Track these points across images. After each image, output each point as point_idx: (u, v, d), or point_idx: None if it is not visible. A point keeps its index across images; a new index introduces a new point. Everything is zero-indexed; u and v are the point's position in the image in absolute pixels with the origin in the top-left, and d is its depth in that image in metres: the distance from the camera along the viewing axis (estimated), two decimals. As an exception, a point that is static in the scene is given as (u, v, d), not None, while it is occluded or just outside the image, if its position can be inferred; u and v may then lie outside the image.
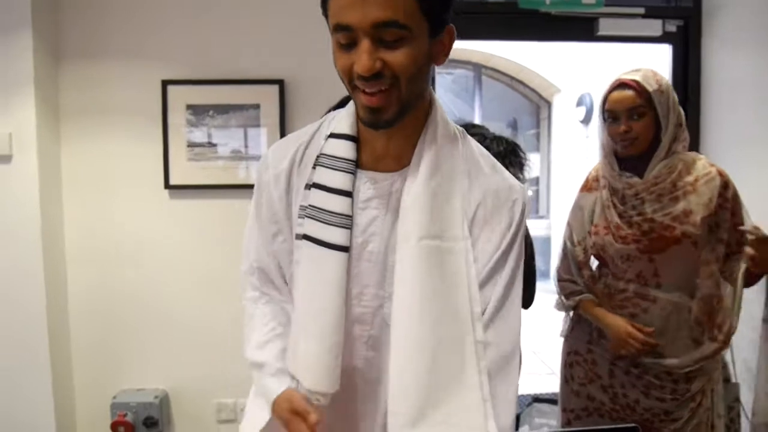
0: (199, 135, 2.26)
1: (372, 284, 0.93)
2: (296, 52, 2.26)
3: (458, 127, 0.97)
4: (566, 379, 1.74)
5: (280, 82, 2.24)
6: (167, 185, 2.27)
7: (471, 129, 1.38)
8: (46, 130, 2.21)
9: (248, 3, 2.27)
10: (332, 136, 0.95)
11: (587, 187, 1.69)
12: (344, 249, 0.90)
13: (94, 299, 2.34)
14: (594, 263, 1.66)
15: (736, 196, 1.54)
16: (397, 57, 0.81)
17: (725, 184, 1.53)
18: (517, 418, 2.39)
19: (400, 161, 0.92)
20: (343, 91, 0.94)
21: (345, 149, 0.93)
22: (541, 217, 7.75)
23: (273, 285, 1.04)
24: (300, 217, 0.95)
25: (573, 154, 7.00)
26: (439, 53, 0.88)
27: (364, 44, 0.79)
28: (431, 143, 0.90)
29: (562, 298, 1.74)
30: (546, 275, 7.29)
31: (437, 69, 2.46)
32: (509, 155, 1.60)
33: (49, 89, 2.24)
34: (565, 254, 1.71)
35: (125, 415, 2.18)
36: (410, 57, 0.81)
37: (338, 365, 0.92)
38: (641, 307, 1.56)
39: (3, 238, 2.18)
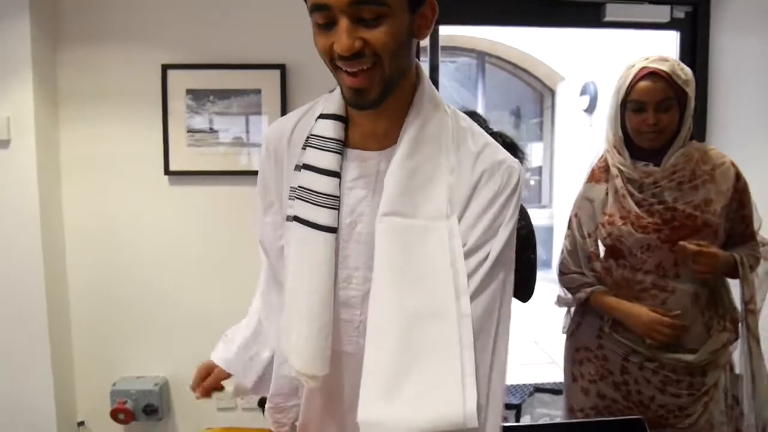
0: (199, 120, 2.23)
1: (362, 266, 0.91)
2: (298, 37, 2.20)
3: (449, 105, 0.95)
4: (574, 377, 1.68)
5: (282, 67, 2.21)
6: (167, 171, 2.24)
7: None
8: (45, 114, 2.19)
9: (249, -14, 2.23)
10: (322, 116, 0.94)
11: (595, 178, 1.64)
12: (332, 230, 0.89)
13: (94, 286, 2.32)
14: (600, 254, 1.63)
15: (746, 187, 1.54)
16: (376, 35, 0.79)
17: (737, 175, 1.53)
18: (519, 407, 2.39)
19: (387, 140, 0.90)
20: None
21: (333, 129, 0.92)
22: (544, 207, 7.73)
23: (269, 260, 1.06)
24: (290, 198, 0.94)
25: (576, 143, 6.97)
26: (422, 27, 0.86)
27: (343, 23, 0.78)
28: (417, 120, 0.88)
29: (565, 291, 1.70)
30: (547, 264, 7.31)
31: (440, 57, 2.43)
32: (507, 150, 1.57)
33: (48, 73, 2.21)
34: (573, 247, 1.65)
35: (125, 403, 2.17)
36: (390, 34, 0.79)
37: (328, 347, 0.90)
38: (659, 298, 1.52)
39: (1, 223, 2.16)
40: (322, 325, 0.89)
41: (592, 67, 6.57)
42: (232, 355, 1.20)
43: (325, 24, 0.80)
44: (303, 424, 1.08)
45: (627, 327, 1.55)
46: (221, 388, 1.24)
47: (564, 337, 1.77)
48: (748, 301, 1.54)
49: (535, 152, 8.06)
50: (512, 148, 1.58)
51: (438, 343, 0.77)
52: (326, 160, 0.90)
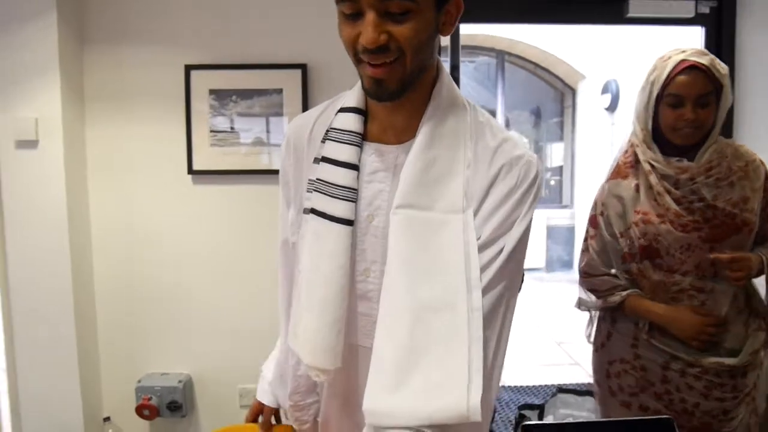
0: (221, 120, 2.25)
1: (379, 260, 0.90)
2: (319, 36, 2.23)
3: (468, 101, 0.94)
4: (612, 391, 1.59)
5: (303, 66, 2.22)
6: (190, 170, 2.27)
7: None
8: (71, 115, 2.23)
9: (271, -14, 2.25)
10: (342, 110, 0.95)
11: (621, 174, 1.56)
12: (348, 222, 0.89)
13: (119, 285, 2.35)
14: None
15: None
16: (403, 30, 0.79)
17: (766, 174, 1.49)
18: (542, 408, 2.37)
19: (405, 133, 0.90)
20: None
21: (352, 122, 0.92)
22: (565, 207, 7.67)
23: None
24: (308, 191, 0.95)
25: (597, 143, 6.89)
26: (446, 24, 0.86)
27: (370, 16, 0.78)
28: (435, 114, 0.88)
29: (589, 294, 1.63)
30: (569, 265, 7.27)
31: (459, 57, 2.42)
32: None
33: (74, 74, 2.25)
34: (602, 248, 1.57)
35: (150, 399, 2.20)
36: (416, 29, 0.79)
37: (340, 342, 0.90)
38: (698, 300, 1.47)
39: (30, 223, 2.20)
40: (334, 319, 0.89)
41: (613, 65, 6.50)
42: (270, 391, 1.20)
43: (352, 14, 0.80)
44: (323, 421, 1.08)
45: (665, 332, 1.48)
46: (279, 419, 1.24)
47: (584, 338, 1.73)
48: None
49: (555, 152, 8.01)
50: None
51: (447, 335, 0.77)
52: (345, 152, 0.91)
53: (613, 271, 1.58)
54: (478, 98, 7.31)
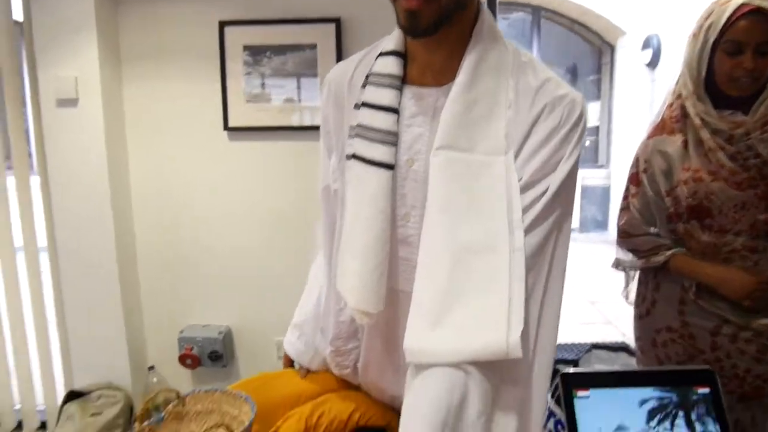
0: (256, 76, 2.25)
1: (419, 205, 0.90)
2: (352, -11, 2.20)
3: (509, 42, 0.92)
4: (659, 360, 1.54)
5: (337, 21, 2.19)
6: (226, 127, 2.28)
7: None
8: (109, 73, 2.25)
9: (304, -62, 2.21)
10: (381, 54, 0.94)
11: (667, 130, 1.47)
12: (388, 167, 0.89)
13: (160, 241, 2.41)
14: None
15: None
16: None
17: None
18: (576, 363, 2.37)
19: (445, 75, 0.89)
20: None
21: (392, 65, 0.91)
22: (600, 167, 7.51)
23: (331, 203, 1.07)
24: (350, 137, 0.94)
25: (636, 100, 6.69)
26: None
27: None
28: (476, 54, 0.86)
29: (627, 253, 1.58)
30: (603, 226, 7.17)
31: (496, 13, 2.35)
32: None
33: (110, 33, 2.27)
34: (645, 206, 1.50)
35: (192, 349, 2.28)
36: None
37: (382, 286, 0.91)
38: (750, 260, 1.40)
39: (73, 182, 2.26)
40: (377, 264, 0.90)
41: (655, 19, 6.25)
42: (301, 348, 1.24)
43: None
44: (364, 365, 1.10)
45: (714, 293, 1.42)
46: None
47: (620, 297, 1.68)
48: None
49: (591, 112, 7.81)
50: None
51: (487, 275, 0.76)
52: (384, 96, 0.90)
53: (654, 230, 1.52)
54: (513, 56, 7.13)
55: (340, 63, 1.03)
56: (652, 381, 1.03)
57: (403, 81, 0.91)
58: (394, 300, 0.95)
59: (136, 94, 2.34)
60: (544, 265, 0.81)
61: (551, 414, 1.12)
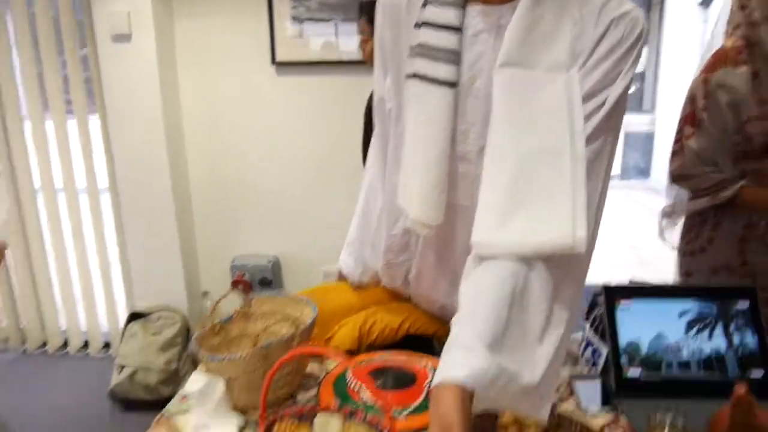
0: (303, 12, 2.27)
1: (478, 122, 0.93)
2: None
3: None
4: None
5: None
6: (273, 61, 2.32)
7: None
8: (161, 8, 2.30)
9: None
10: None
11: (730, 62, 1.36)
12: (451, 84, 0.91)
13: (211, 173, 2.51)
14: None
15: None
16: None
17: None
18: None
19: None
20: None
21: None
22: (645, 112, 7.30)
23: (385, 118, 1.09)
24: (410, 56, 0.96)
25: (687, 42, 6.41)
26: None
27: None
28: None
29: (677, 200, 1.53)
30: (645, 173, 7.02)
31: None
32: None
33: (161, -33, 2.31)
34: (707, 145, 1.41)
35: (243, 275, 2.41)
36: None
37: (442, 200, 0.95)
38: None
39: (128, 118, 2.36)
40: (438, 179, 0.94)
41: (711, -46, 5.91)
42: (351, 264, 1.31)
43: None
44: (416, 276, 1.17)
45: None
46: None
47: (659, 240, 1.64)
48: None
49: (638, 55, 7.50)
50: None
51: (551, 180, 0.79)
52: (447, 14, 0.91)
53: (710, 169, 1.44)
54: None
55: None
56: (692, 294, 1.08)
57: None
58: (451, 213, 0.99)
59: (186, 29, 2.39)
60: (600, 173, 0.84)
61: (588, 343, 1.17)
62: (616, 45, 0.84)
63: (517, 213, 0.78)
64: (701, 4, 6.18)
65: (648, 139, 7.08)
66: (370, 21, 1.75)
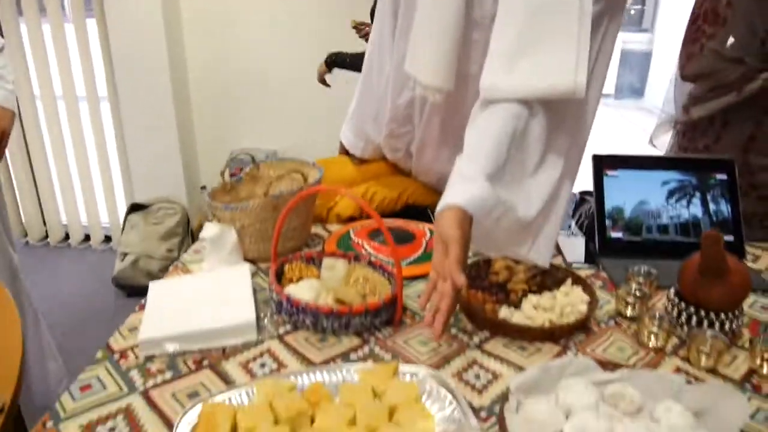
0: None
1: None
2: None
3: None
4: None
5: None
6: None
7: None
8: None
9: None
10: None
11: None
12: None
13: (210, 67, 2.50)
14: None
15: None
16: None
17: None
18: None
19: None
20: None
21: None
22: (644, 30, 7.18)
23: None
24: None
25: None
26: None
27: None
28: None
29: (684, 106, 1.47)
30: (639, 93, 6.99)
31: None
32: None
33: None
34: (733, 43, 1.32)
35: (241, 170, 2.43)
36: None
37: (454, 65, 0.99)
38: None
39: (126, 18, 2.32)
40: (451, 45, 0.97)
41: None
42: (352, 138, 1.36)
43: None
44: (419, 147, 1.22)
45: None
46: None
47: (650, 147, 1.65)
48: None
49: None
50: None
51: (558, 29, 0.84)
52: None
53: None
54: None
55: None
56: (675, 166, 1.15)
57: None
58: (461, 82, 1.03)
59: None
60: (601, 29, 0.89)
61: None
62: None
63: (524, 59, 0.83)
64: None
65: (645, 58, 7.00)
66: None
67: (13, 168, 2.73)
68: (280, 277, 0.94)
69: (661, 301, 0.94)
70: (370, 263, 0.96)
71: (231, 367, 0.76)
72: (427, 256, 1.04)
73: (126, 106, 2.46)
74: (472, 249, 0.78)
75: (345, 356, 0.78)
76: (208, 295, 0.89)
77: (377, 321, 0.83)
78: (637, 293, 0.90)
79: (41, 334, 1.64)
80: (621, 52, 6.93)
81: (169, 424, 0.66)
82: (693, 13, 1.42)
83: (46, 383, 1.64)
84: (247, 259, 1.06)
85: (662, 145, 1.68)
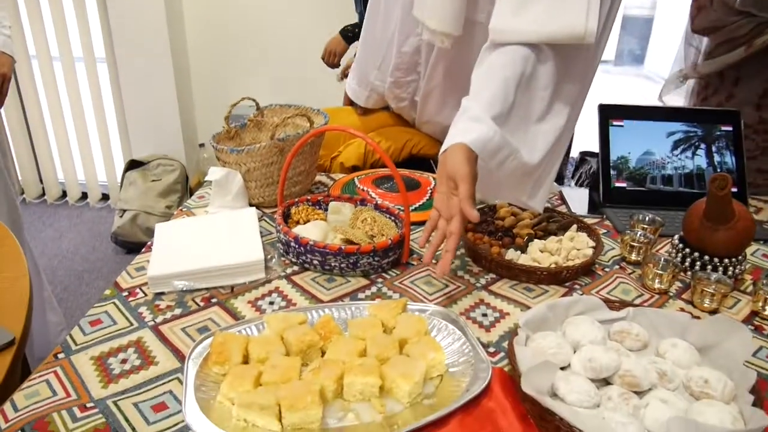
0: None
1: None
2: None
3: None
4: None
5: None
6: None
7: None
8: None
9: None
10: None
11: None
12: None
13: (208, 24, 2.46)
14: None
15: None
16: None
17: None
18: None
19: None
20: None
21: None
22: (647, -6, 7.08)
23: None
24: None
25: None
26: None
27: None
28: None
29: (697, 58, 1.45)
30: (639, 60, 6.93)
31: None
32: None
33: None
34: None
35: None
36: None
37: (463, 10, 0.98)
38: None
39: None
40: None
41: None
42: (356, 87, 1.34)
43: None
44: (424, 96, 1.21)
45: None
46: None
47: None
48: None
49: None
50: None
51: None
52: None
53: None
54: None
55: None
56: (680, 117, 1.14)
57: None
58: (468, 29, 1.02)
59: None
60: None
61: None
62: None
63: (535, 2, 0.81)
64: None
65: (646, 23, 6.91)
66: None
67: (8, 125, 2.69)
68: (286, 219, 0.93)
69: (664, 248, 0.95)
70: (377, 207, 0.96)
71: (240, 304, 0.76)
72: (432, 203, 1.04)
73: (123, 64, 2.41)
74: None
75: (353, 295, 0.79)
76: (216, 235, 0.89)
77: (385, 261, 0.83)
78: (642, 238, 0.90)
79: (42, 287, 1.64)
80: (622, 17, 6.83)
81: (180, 355, 0.66)
82: None
83: (46, 335, 1.65)
84: (251, 204, 1.06)
85: (671, 102, 1.66)
